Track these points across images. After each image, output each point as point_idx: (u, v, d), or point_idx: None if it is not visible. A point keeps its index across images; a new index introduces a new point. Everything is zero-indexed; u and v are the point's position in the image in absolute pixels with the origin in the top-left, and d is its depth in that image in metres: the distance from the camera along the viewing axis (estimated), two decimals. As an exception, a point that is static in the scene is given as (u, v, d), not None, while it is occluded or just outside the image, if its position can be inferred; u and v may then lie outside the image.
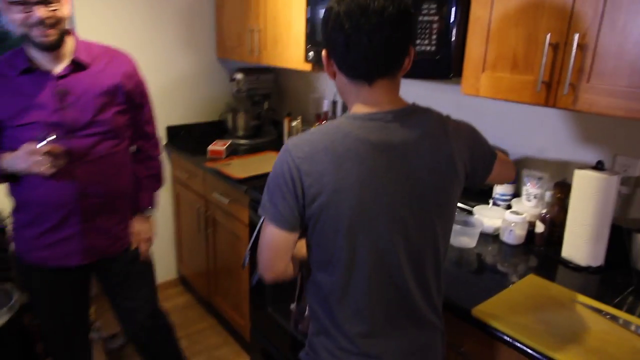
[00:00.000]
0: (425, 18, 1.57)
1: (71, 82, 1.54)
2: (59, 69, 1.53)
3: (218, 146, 2.61)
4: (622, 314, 1.25)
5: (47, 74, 1.51)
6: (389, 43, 0.96)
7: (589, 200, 1.46)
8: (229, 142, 2.71)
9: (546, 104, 1.35)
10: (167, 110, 2.86)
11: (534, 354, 1.13)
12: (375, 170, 0.98)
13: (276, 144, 2.86)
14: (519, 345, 1.15)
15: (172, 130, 2.92)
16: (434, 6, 1.54)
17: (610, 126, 1.58)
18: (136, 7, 2.60)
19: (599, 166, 1.47)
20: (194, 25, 2.84)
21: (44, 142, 1.43)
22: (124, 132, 1.69)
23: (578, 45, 1.25)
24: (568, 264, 1.53)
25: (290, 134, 2.80)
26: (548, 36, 1.30)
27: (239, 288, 2.41)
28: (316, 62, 2.11)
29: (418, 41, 1.59)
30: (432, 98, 2.11)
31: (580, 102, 1.28)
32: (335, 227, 1.00)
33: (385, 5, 0.94)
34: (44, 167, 1.43)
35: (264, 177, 2.24)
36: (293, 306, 1.71)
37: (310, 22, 2.06)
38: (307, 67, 2.20)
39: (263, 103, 2.99)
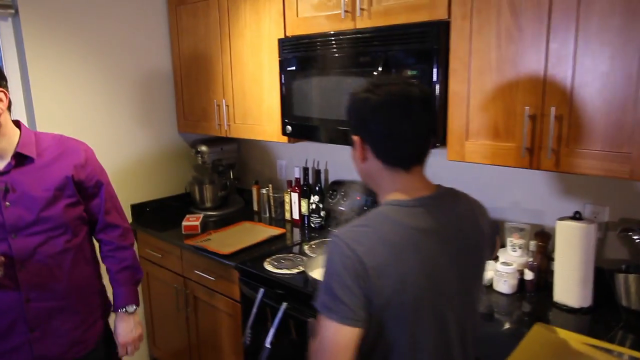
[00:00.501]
0: (408, 94, 1.71)
1: (14, 178, 1.46)
2: (1, 165, 1.46)
3: (192, 221, 2.57)
4: (626, 351, 1.39)
5: None
6: (428, 129, 1.05)
7: (574, 248, 1.62)
8: (201, 215, 2.68)
9: (530, 166, 1.52)
10: (130, 188, 2.78)
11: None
12: (430, 257, 1.03)
13: (245, 214, 2.85)
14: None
15: (136, 208, 2.83)
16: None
17: (580, 179, 1.77)
18: (94, 87, 2.56)
19: (577, 216, 1.65)
20: (153, 102, 2.83)
21: None
22: (78, 225, 1.58)
23: (555, 116, 1.42)
24: (562, 307, 1.67)
25: (260, 202, 2.82)
26: (527, 109, 1.47)
27: (230, 367, 2.34)
28: (293, 135, 2.18)
29: (403, 115, 1.72)
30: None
31: (562, 164, 1.45)
32: (400, 317, 1.02)
33: (420, 93, 1.03)
34: None
35: (250, 249, 2.26)
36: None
37: (287, 98, 2.15)
38: (284, 139, 2.27)
39: (228, 173, 3.00)
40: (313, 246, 2.26)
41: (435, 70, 1.64)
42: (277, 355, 1.90)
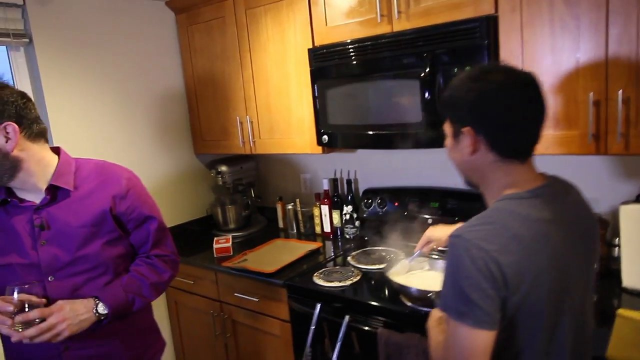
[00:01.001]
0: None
1: (50, 213, 1.35)
2: (38, 198, 1.36)
3: (223, 243, 2.48)
4: None
5: (23, 205, 1.35)
6: (543, 116, 1.02)
7: None
8: (230, 237, 2.59)
9: (597, 152, 1.52)
10: (151, 216, 2.68)
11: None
12: (558, 249, 1.00)
13: (271, 232, 2.78)
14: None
15: (158, 236, 2.73)
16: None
17: (628, 163, 1.79)
18: (109, 110, 2.47)
19: None
20: (167, 125, 2.75)
21: (15, 295, 1.25)
22: (121, 264, 1.47)
23: (622, 100, 1.43)
24: (633, 292, 1.66)
25: (286, 218, 2.76)
26: (591, 95, 1.48)
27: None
28: (330, 145, 2.14)
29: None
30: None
31: (632, 146, 1.45)
32: (537, 314, 0.98)
33: (533, 78, 1.00)
34: (6, 329, 1.24)
35: (293, 266, 2.19)
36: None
37: (321, 108, 2.11)
38: (317, 150, 2.23)
39: (249, 192, 2.93)
40: (356, 256, 2.21)
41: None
42: (343, 371, 1.84)
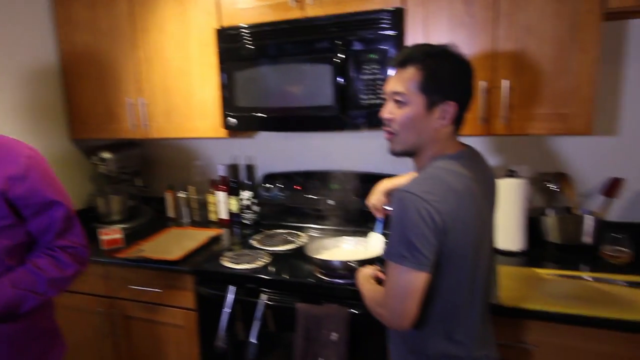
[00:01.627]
0: (370, 77, 1.83)
1: None
2: None
3: (112, 235, 2.28)
4: (568, 272, 1.72)
5: None
6: None
7: (511, 201, 1.93)
8: (117, 228, 2.39)
9: (486, 133, 1.77)
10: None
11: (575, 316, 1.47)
12: (480, 202, 1.19)
13: (159, 223, 2.62)
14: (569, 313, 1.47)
15: (27, 231, 2.39)
16: (377, 66, 1.82)
17: (498, 143, 2.11)
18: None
19: (512, 174, 1.97)
20: (38, 106, 2.43)
21: None
22: (15, 257, 1.30)
23: (507, 88, 1.70)
24: (505, 253, 1.95)
25: (177, 207, 2.64)
26: (483, 83, 1.72)
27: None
28: (239, 129, 2.12)
29: (366, 96, 1.84)
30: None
31: (513, 128, 1.73)
32: (464, 256, 1.15)
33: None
34: None
35: (198, 253, 2.11)
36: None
37: (228, 89, 2.08)
38: (223, 134, 2.19)
39: (133, 180, 2.73)
40: (260, 240, 2.22)
41: (393, 53, 1.79)
42: (261, 349, 1.84)
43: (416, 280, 1.10)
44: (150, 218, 2.72)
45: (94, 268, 2.20)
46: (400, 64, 1.20)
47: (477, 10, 1.71)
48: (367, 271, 1.41)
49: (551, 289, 1.62)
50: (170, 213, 2.69)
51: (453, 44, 1.22)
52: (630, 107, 1.91)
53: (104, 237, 2.25)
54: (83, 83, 2.47)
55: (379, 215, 1.66)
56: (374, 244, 1.74)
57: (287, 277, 1.84)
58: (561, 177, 2.02)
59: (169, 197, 2.68)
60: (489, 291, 1.33)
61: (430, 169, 1.18)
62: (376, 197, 1.64)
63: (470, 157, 1.25)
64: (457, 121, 1.22)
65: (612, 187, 1.93)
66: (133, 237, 2.39)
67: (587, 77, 1.61)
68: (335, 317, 1.69)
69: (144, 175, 2.80)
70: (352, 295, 1.63)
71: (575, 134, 1.67)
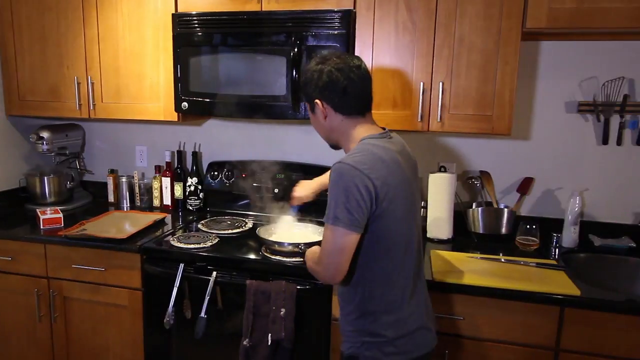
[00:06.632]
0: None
1: None
2: None
3: (52, 214, 2.24)
4: (489, 256, 1.96)
5: None
6: (370, 87, 1.41)
7: (442, 194, 2.15)
8: (57, 208, 2.34)
9: (423, 129, 1.97)
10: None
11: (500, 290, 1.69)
12: (407, 174, 1.37)
13: (98, 207, 2.61)
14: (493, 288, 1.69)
15: (-45, 209, 2.29)
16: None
17: (431, 143, 2.33)
18: None
19: (443, 170, 2.19)
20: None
21: None
22: None
23: (442, 89, 1.91)
24: (434, 240, 2.18)
25: (119, 192, 2.63)
26: (422, 84, 1.92)
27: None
28: (191, 112, 2.18)
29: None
30: (287, 137, 2.49)
31: (446, 126, 1.94)
32: (397, 216, 1.32)
33: (360, 61, 1.40)
34: None
35: (143, 233, 2.13)
36: (246, 341, 1.81)
37: (183, 73, 2.13)
38: (174, 117, 2.23)
39: (73, 163, 2.68)
40: (206, 224, 2.29)
41: (344, 51, 1.95)
42: (209, 326, 1.91)
43: (347, 239, 1.27)
44: (88, 202, 2.68)
45: (32, 247, 2.15)
46: None
47: (419, 18, 1.90)
48: (314, 248, 1.55)
49: (474, 267, 1.85)
50: (111, 197, 2.67)
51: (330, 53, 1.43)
52: (540, 116, 2.20)
53: (42, 217, 2.21)
54: (24, 58, 2.39)
55: (295, 204, 1.92)
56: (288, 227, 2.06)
57: (238, 255, 1.93)
58: (483, 176, 2.27)
59: (110, 180, 2.66)
60: (421, 265, 1.48)
61: (360, 145, 1.35)
62: (306, 194, 1.88)
63: (392, 137, 1.44)
64: (349, 111, 1.39)
65: (524, 185, 2.21)
66: (73, 218, 2.36)
67: (509, 85, 1.86)
68: (283, 292, 1.80)
69: (86, 158, 2.75)
70: (300, 273, 1.76)
71: (498, 134, 1.91)
